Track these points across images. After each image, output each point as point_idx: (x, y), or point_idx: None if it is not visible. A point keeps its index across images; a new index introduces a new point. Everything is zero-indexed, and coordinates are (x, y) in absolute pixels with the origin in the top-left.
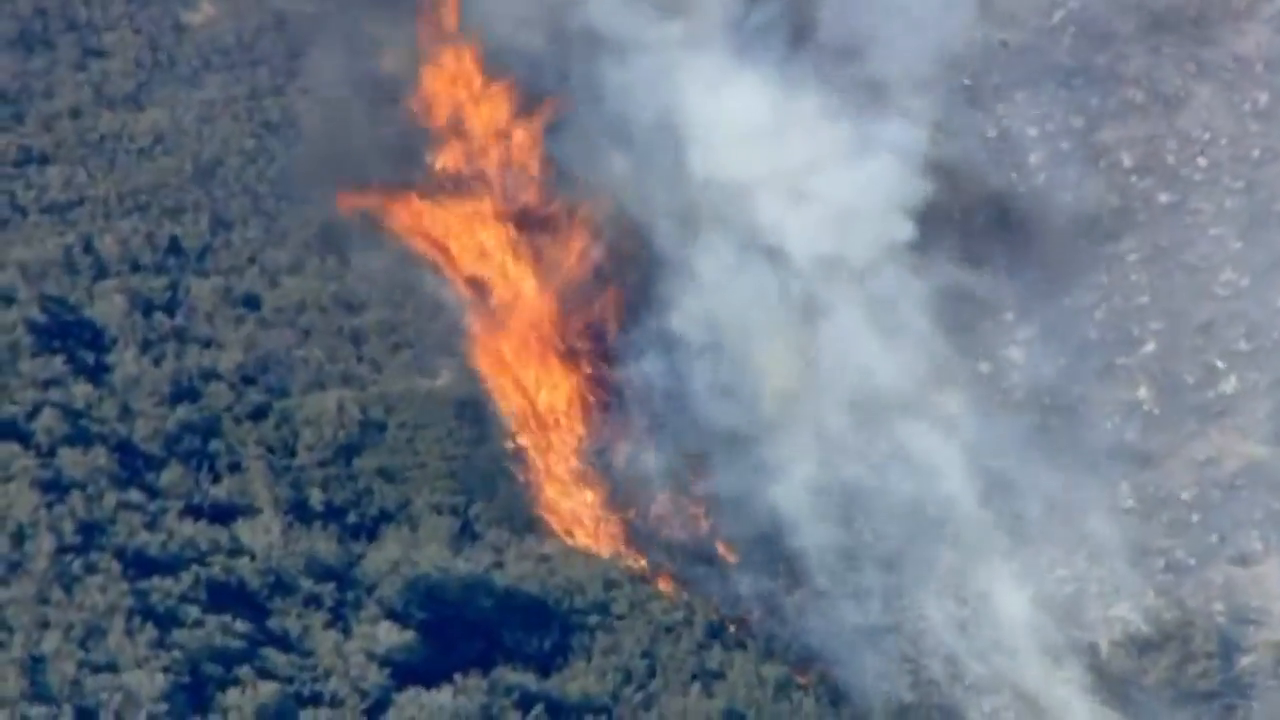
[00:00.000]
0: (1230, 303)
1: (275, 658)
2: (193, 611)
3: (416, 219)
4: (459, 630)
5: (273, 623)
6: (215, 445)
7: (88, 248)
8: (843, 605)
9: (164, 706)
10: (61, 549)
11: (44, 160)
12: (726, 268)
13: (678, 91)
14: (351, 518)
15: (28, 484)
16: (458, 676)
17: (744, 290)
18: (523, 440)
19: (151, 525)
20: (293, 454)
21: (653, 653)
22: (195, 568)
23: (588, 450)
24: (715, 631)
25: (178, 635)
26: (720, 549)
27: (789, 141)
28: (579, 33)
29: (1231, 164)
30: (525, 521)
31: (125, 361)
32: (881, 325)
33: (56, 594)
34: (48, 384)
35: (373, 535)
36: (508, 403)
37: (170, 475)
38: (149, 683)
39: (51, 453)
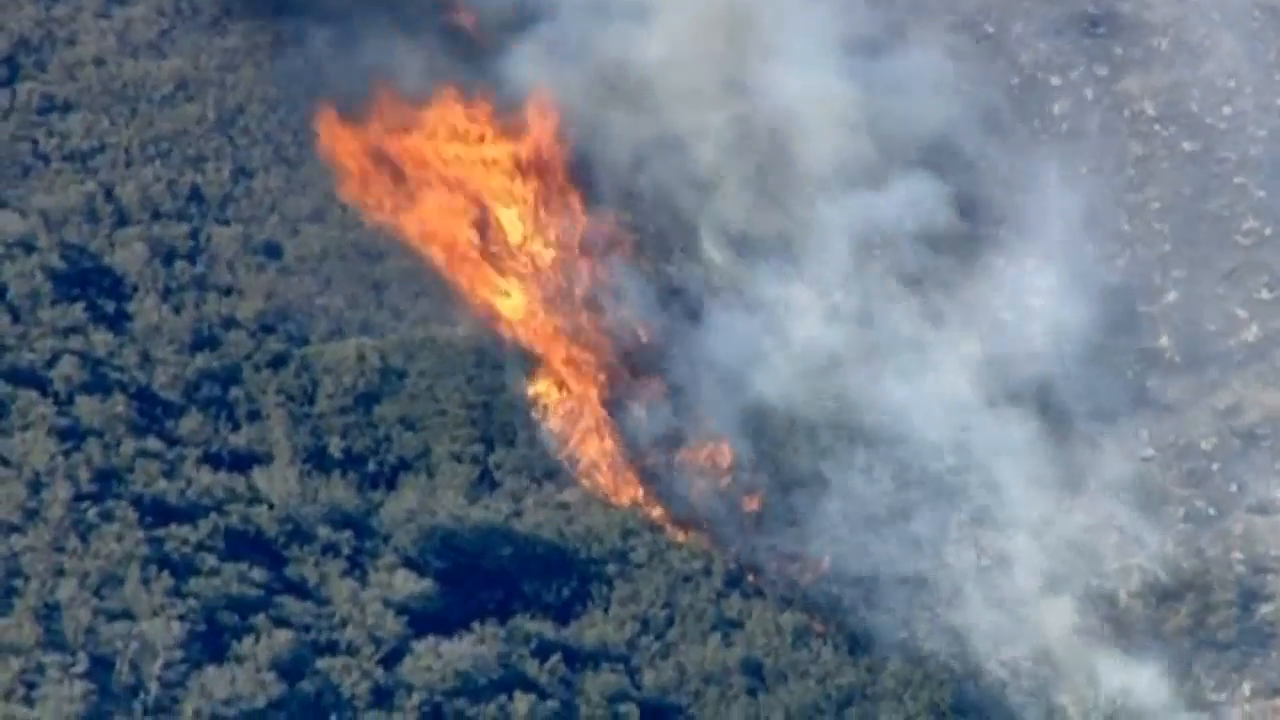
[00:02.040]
0: (1253, 251)
1: (292, 606)
2: (209, 560)
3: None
4: (477, 579)
5: (290, 571)
6: (235, 393)
7: (109, 195)
8: (861, 555)
9: (180, 654)
10: (78, 497)
11: (66, 108)
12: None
13: None
14: (370, 466)
15: (45, 431)
16: (475, 625)
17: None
18: (542, 389)
19: (169, 473)
20: (312, 402)
21: (671, 602)
22: (213, 516)
23: (609, 400)
24: (734, 580)
25: (194, 583)
26: (741, 499)
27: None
28: None
29: (1256, 113)
30: (544, 469)
31: (145, 309)
32: (903, 271)
33: (73, 542)
34: (67, 332)
35: (391, 483)
36: (528, 351)
37: (189, 423)
38: (165, 631)
39: (70, 400)
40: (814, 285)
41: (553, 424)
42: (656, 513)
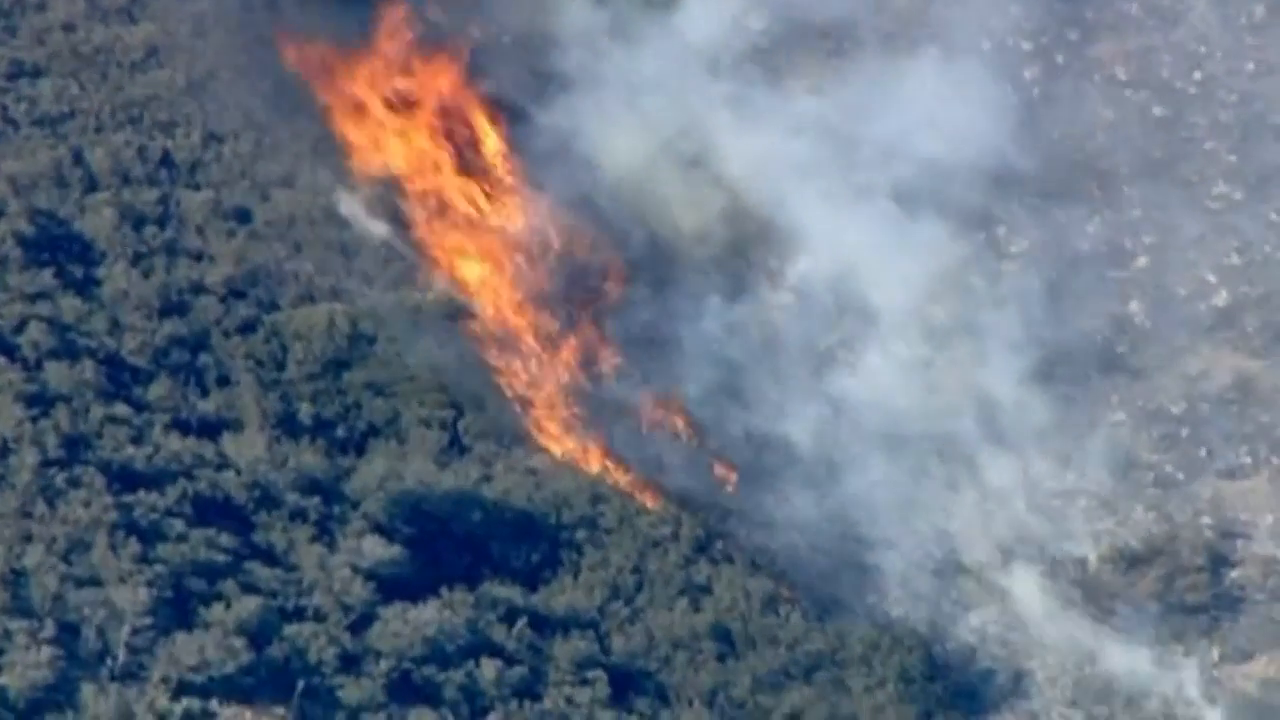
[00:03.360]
0: (1223, 216)
1: (259, 572)
2: (177, 526)
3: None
4: (445, 544)
5: (258, 537)
6: (204, 359)
7: (79, 160)
8: (831, 520)
9: (147, 621)
10: (46, 463)
11: (36, 73)
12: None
13: None
14: (339, 432)
15: (12, 398)
16: (444, 590)
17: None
18: (512, 354)
19: (138, 439)
20: (281, 368)
21: (640, 567)
22: (181, 482)
23: (578, 365)
24: (702, 546)
25: (162, 550)
26: (710, 464)
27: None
28: None
29: (1226, 77)
30: (513, 435)
31: (114, 275)
32: (873, 240)
33: (40, 508)
34: (36, 297)
35: (360, 450)
36: (497, 317)
37: (158, 389)
38: (133, 597)
39: (38, 366)
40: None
41: (520, 389)
42: (625, 479)
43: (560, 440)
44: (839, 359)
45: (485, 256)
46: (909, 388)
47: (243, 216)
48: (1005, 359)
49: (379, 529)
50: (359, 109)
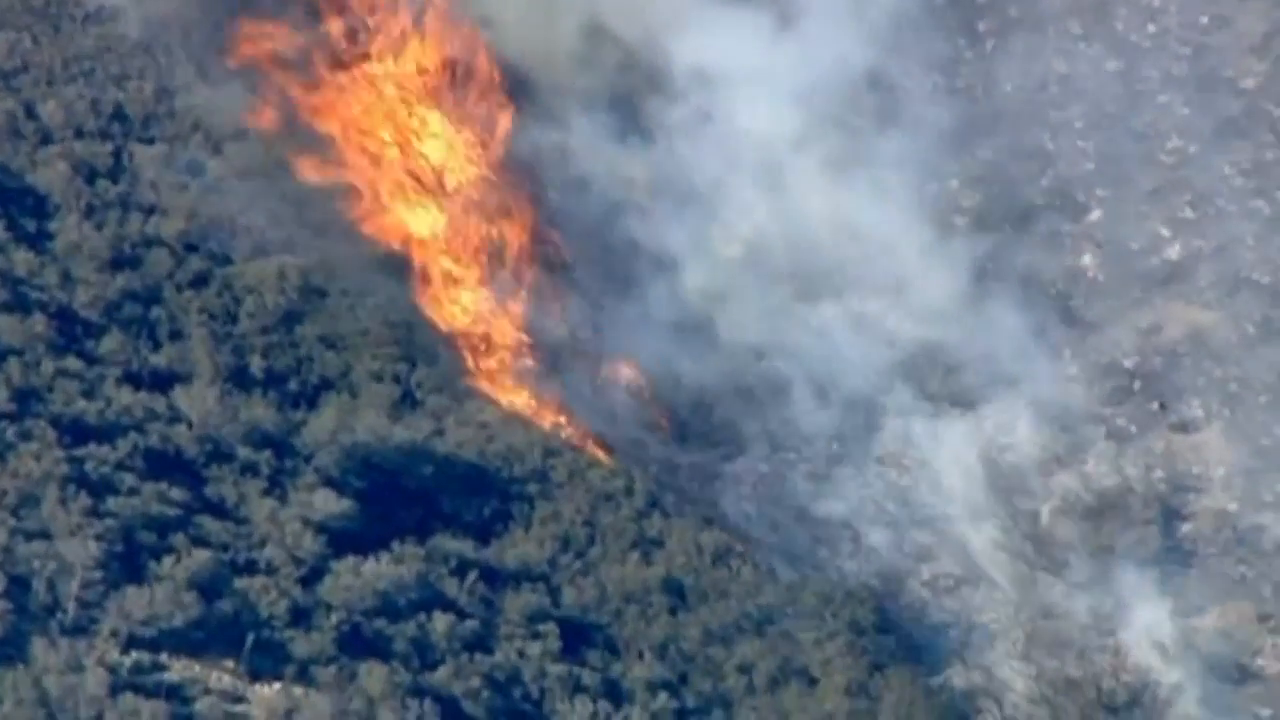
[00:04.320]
0: (1176, 170)
1: (210, 525)
2: (128, 479)
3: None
4: (397, 498)
5: (209, 490)
6: (156, 312)
7: (31, 114)
8: (783, 473)
9: (98, 574)
10: None
11: None
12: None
13: None
14: (291, 385)
15: None
16: (395, 544)
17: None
18: (464, 308)
19: (89, 393)
20: (234, 321)
21: (592, 521)
22: (132, 435)
23: (530, 318)
24: (654, 500)
25: (113, 503)
26: (661, 418)
27: None
28: None
29: (1180, 30)
30: (465, 388)
31: (67, 228)
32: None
33: None
34: None
35: (312, 403)
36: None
37: (110, 342)
38: (83, 550)
39: None
40: (737, 210)
41: (473, 342)
42: (577, 432)
43: (512, 393)
44: (796, 315)
45: (433, 206)
46: (861, 342)
47: (195, 170)
48: (956, 312)
49: (330, 482)
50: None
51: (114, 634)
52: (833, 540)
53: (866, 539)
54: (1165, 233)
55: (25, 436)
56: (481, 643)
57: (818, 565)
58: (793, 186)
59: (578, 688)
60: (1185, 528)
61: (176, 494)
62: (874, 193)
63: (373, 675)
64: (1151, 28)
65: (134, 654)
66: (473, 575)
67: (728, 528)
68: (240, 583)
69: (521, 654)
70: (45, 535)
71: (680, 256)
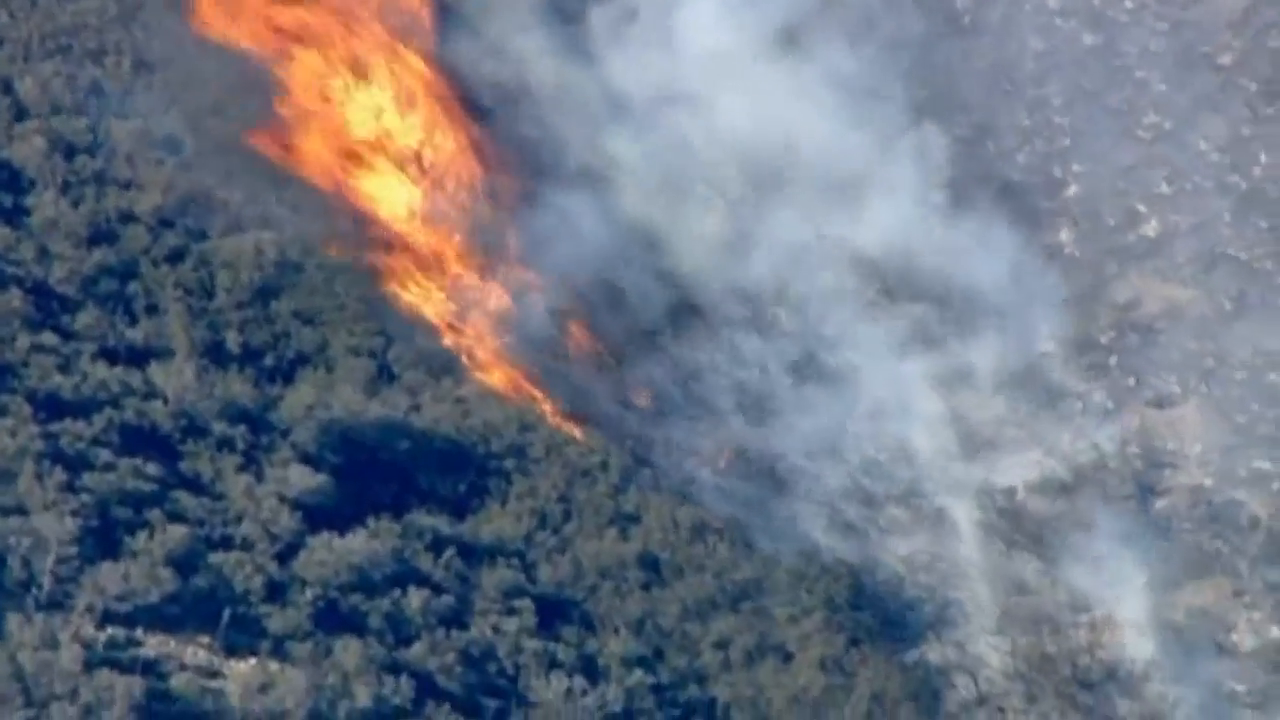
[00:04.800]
0: (1153, 146)
1: (186, 501)
2: (104, 454)
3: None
4: (373, 474)
5: (185, 466)
6: (132, 288)
7: (7, 89)
8: (757, 449)
9: (73, 550)
10: None
11: None
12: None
13: None
14: (268, 361)
15: None
16: (370, 520)
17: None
18: (437, 283)
19: (65, 368)
20: (210, 296)
21: (568, 496)
22: (108, 410)
23: (503, 293)
24: (630, 475)
25: (88, 478)
26: (637, 392)
27: None
28: None
29: (1157, 6)
30: (442, 364)
31: (44, 204)
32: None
33: None
34: None
35: (289, 378)
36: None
37: (85, 318)
38: (58, 526)
39: None
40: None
41: (447, 319)
42: (553, 408)
43: (489, 370)
44: (769, 290)
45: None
46: (836, 317)
47: (172, 146)
48: (932, 285)
49: (306, 458)
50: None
51: (89, 609)
52: (807, 517)
53: (842, 515)
54: (1142, 208)
55: (1, 412)
56: (457, 618)
57: (794, 541)
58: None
59: (553, 663)
60: (1161, 503)
61: (152, 469)
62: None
63: (348, 650)
64: (1129, 3)
65: (109, 629)
66: (448, 551)
67: (703, 503)
68: (216, 558)
69: (497, 630)
70: (21, 510)
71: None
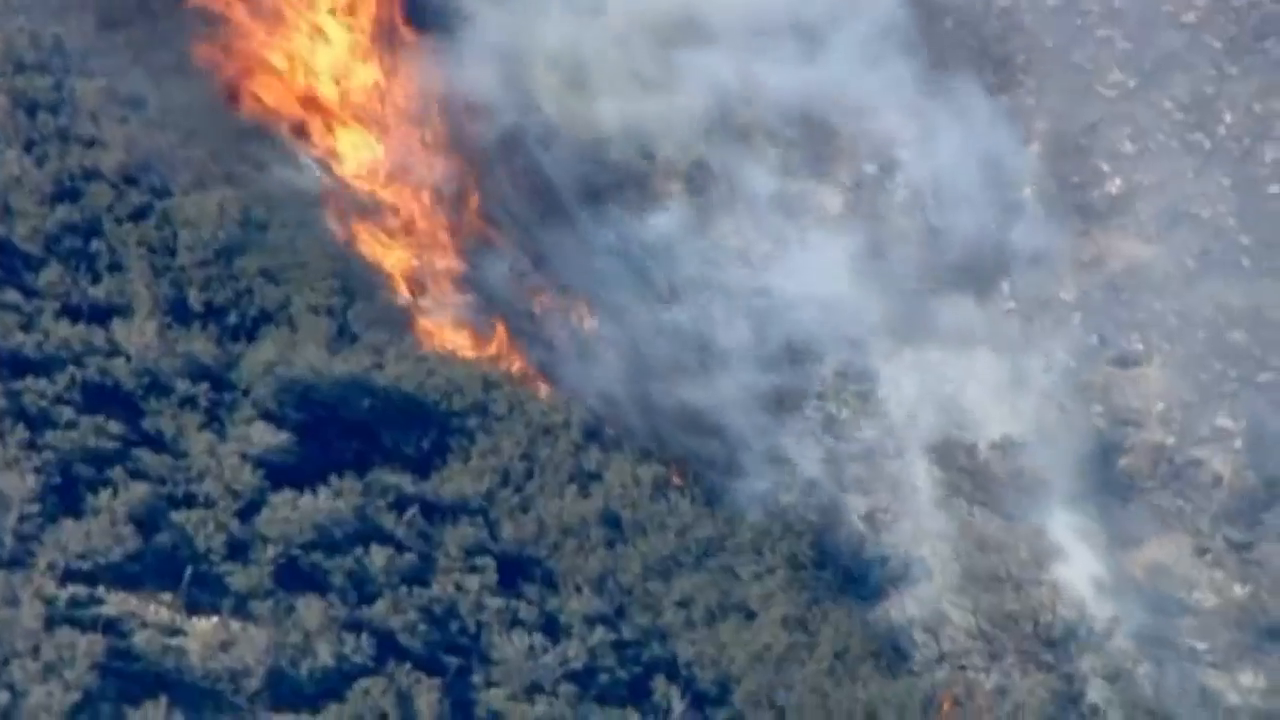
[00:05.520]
0: (1117, 104)
1: (148, 459)
2: (66, 412)
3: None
4: (335, 431)
5: (147, 424)
6: (96, 245)
7: None
8: (720, 407)
9: (34, 508)
10: None
11: None
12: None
13: None
14: (230, 318)
15: None
16: (333, 478)
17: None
18: (400, 240)
19: (27, 326)
20: (173, 254)
21: (530, 454)
22: (70, 368)
23: (467, 250)
24: (593, 433)
25: (50, 436)
26: (599, 349)
27: None
28: None
29: None
30: (405, 322)
31: (7, 161)
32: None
33: None
34: None
35: (251, 336)
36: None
37: (48, 275)
38: (20, 484)
39: None
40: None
41: (410, 276)
42: (516, 365)
43: (453, 327)
44: (731, 244)
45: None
46: (798, 272)
47: (136, 104)
48: (895, 244)
49: (268, 416)
50: None
51: (50, 567)
52: (770, 473)
53: (805, 472)
54: (1105, 167)
55: None
56: (419, 576)
57: (756, 499)
58: None
59: (515, 621)
60: (1123, 461)
61: (114, 427)
62: None
63: (310, 609)
64: None
65: (71, 587)
66: (411, 509)
67: (666, 461)
68: (178, 516)
69: (459, 587)
70: None
71: None
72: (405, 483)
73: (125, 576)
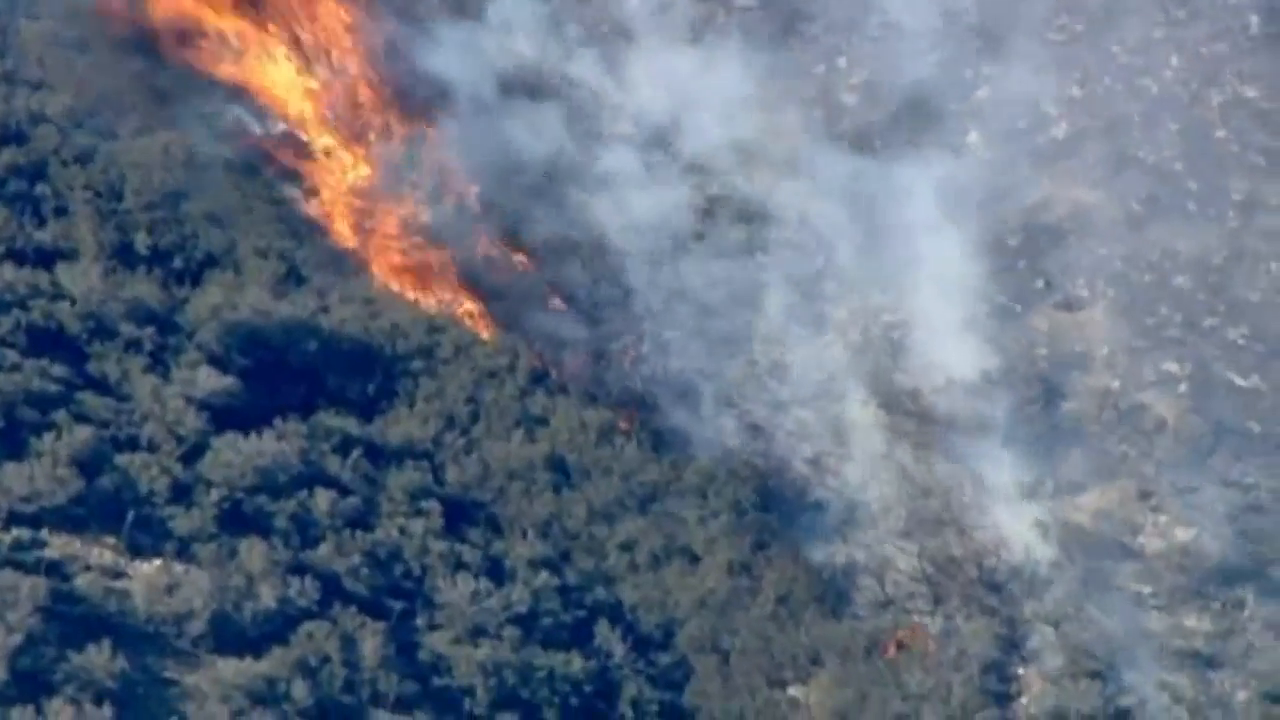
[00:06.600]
0: (1065, 48)
1: (92, 402)
2: (10, 355)
3: None
4: (280, 375)
5: (91, 367)
6: (41, 188)
7: None
8: (667, 350)
9: None
10: None
11: None
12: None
13: None
14: (176, 262)
15: None
16: (277, 421)
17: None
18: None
19: None
20: (119, 198)
21: (476, 398)
22: (15, 312)
23: (416, 194)
24: (538, 377)
25: None
26: (545, 291)
27: None
28: None
29: None
30: (351, 265)
31: None
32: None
33: None
34: None
35: (196, 279)
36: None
37: None
38: None
39: None
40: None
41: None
42: (463, 309)
43: (399, 271)
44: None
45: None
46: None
47: (82, 47)
48: (840, 188)
49: (213, 359)
50: None
51: None
52: (715, 419)
53: (750, 417)
54: (1052, 111)
55: None
56: (363, 520)
57: (701, 444)
58: None
59: (459, 565)
60: (1068, 406)
61: (58, 370)
62: None
63: (253, 552)
64: None
65: (14, 531)
66: (355, 452)
67: (612, 405)
68: (121, 459)
69: (403, 531)
70: None
71: None
72: (350, 426)
73: (68, 519)
